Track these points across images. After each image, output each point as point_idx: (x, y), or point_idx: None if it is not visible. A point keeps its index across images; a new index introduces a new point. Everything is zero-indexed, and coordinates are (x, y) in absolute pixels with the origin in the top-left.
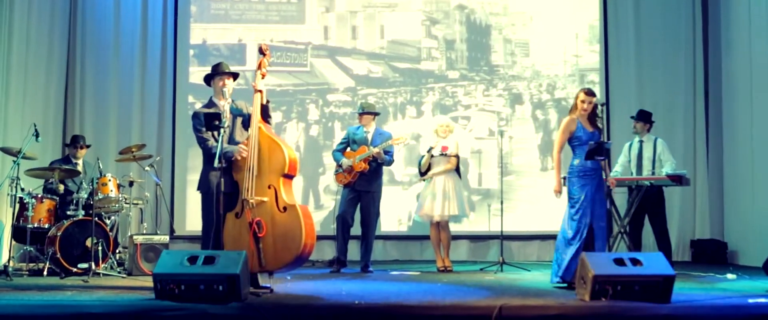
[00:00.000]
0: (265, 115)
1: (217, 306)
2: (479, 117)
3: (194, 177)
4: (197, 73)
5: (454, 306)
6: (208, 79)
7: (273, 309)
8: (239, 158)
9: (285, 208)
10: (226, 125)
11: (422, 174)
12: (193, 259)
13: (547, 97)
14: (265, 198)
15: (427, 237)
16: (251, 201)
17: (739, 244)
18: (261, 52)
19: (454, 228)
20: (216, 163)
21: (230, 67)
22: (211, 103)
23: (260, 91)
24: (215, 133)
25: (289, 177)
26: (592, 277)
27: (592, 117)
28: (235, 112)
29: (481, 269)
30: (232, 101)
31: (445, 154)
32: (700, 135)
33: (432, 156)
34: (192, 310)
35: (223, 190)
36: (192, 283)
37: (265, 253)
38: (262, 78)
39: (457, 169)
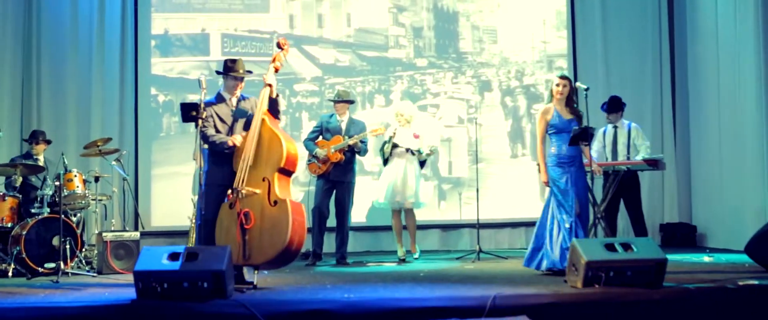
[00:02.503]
0: (274, 110)
1: (203, 304)
2: (448, 105)
3: (158, 171)
4: (160, 65)
5: (448, 298)
6: (224, 74)
7: (261, 305)
8: (230, 144)
9: (276, 202)
10: (203, 116)
11: (385, 161)
12: (174, 256)
13: (516, 83)
14: (258, 190)
15: (389, 228)
16: (242, 191)
17: (707, 227)
18: (279, 46)
19: (425, 217)
20: (193, 156)
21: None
22: (220, 97)
23: (270, 85)
24: (209, 123)
25: (286, 172)
26: (584, 264)
27: (569, 103)
28: (239, 114)
29: (458, 258)
30: (242, 98)
31: (411, 150)
32: (668, 119)
33: (395, 145)
34: (177, 309)
35: (219, 182)
36: (175, 281)
37: (250, 246)
38: (275, 72)
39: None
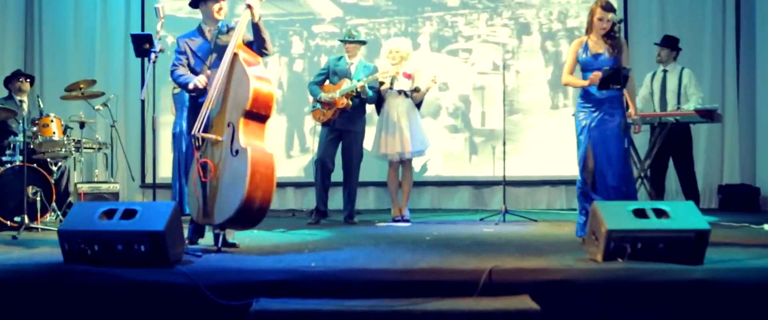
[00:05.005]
0: (258, 40)
1: (138, 271)
2: (482, 49)
3: (165, 118)
4: (168, 4)
5: (433, 271)
6: (196, 2)
7: (208, 274)
8: (191, 87)
9: (237, 151)
10: (157, 49)
11: (378, 109)
12: (110, 213)
13: (558, 26)
14: (219, 137)
15: (417, 184)
16: (198, 136)
17: None
18: None
19: (455, 172)
20: (141, 95)
21: None
22: (199, 30)
23: (250, 6)
24: (181, 60)
25: (256, 117)
26: (605, 233)
27: (610, 37)
28: (216, 48)
29: (481, 219)
30: (227, 28)
31: (404, 91)
32: (730, 67)
33: (390, 88)
34: (106, 276)
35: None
36: (107, 243)
37: (209, 202)
38: None
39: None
